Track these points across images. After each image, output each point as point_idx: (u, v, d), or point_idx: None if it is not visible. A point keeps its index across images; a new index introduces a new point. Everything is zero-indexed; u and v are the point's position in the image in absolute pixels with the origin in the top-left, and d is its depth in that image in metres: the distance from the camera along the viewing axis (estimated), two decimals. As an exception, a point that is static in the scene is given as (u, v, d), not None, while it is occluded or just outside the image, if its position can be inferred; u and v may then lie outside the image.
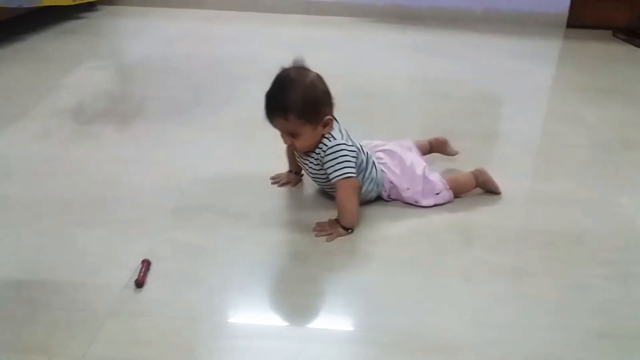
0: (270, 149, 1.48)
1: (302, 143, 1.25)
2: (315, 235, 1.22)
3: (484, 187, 1.43)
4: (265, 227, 1.27)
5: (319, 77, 1.25)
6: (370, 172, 1.32)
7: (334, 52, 2.83)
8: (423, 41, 3.09)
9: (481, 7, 3.60)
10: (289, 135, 1.24)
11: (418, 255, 1.19)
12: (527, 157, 1.71)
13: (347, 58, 2.74)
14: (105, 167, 1.53)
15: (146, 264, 1.10)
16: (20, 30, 2.90)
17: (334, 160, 1.24)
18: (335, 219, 1.25)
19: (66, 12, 3.32)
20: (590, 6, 3.59)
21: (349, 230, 1.23)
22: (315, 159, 1.27)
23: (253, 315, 1.02)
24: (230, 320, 1.00)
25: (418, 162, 1.39)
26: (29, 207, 1.33)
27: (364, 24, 3.45)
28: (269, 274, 1.12)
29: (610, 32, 3.46)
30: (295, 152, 1.35)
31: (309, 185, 1.44)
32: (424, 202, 1.35)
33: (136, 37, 3.01)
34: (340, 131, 1.27)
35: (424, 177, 1.35)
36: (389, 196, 1.37)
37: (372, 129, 1.74)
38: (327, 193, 1.37)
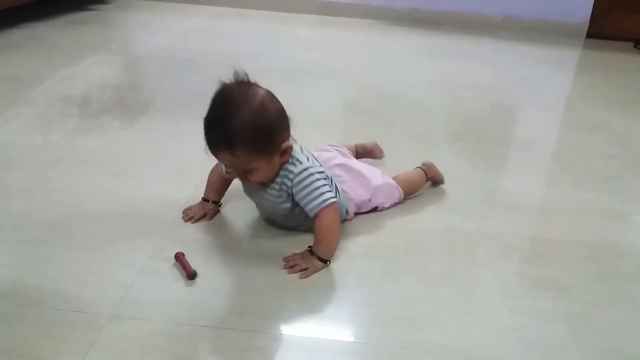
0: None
1: (257, 177, 1.03)
2: (288, 272, 1.02)
3: (433, 180, 1.37)
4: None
5: (269, 95, 1.00)
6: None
7: (350, 54, 2.77)
8: (441, 46, 3.03)
9: (501, 14, 3.53)
10: (240, 170, 1.03)
11: (450, 266, 1.09)
12: (558, 165, 1.63)
13: (364, 60, 2.68)
14: (113, 159, 1.45)
15: (182, 256, 1.03)
16: (29, 18, 2.86)
17: (307, 189, 1.03)
18: (309, 250, 1.05)
19: (76, 3, 3.27)
20: (612, 17, 3.54)
21: (326, 262, 1.04)
22: (276, 191, 1.06)
23: (273, 324, 0.92)
24: (240, 329, 0.90)
25: (374, 171, 1.26)
26: (29, 198, 1.24)
27: (380, 27, 3.39)
28: (286, 279, 1.02)
29: (631, 43, 3.40)
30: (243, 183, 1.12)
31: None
32: (381, 208, 1.25)
33: (147, 30, 2.95)
34: (302, 151, 1.07)
35: (383, 185, 1.23)
36: (353, 213, 1.22)
37: (393, 131, 1.66)
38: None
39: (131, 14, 3.28)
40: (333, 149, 1.33)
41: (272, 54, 2.60)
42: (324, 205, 1.03)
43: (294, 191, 1.05)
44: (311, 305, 0.96)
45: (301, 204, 1.05)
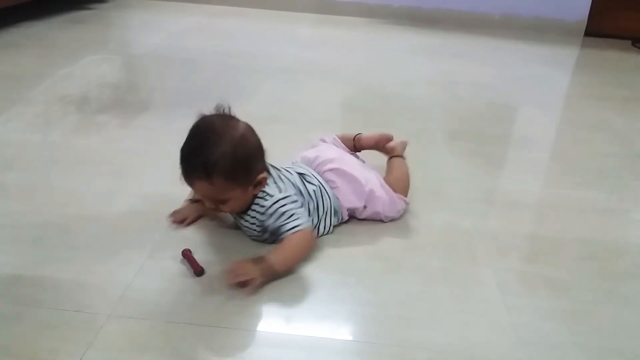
0: (281, 144, 1.38)
1: (230, 208, 1.04)
2: (230, 280, 0.94)
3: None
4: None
5: (249, 128, 1.03)
6: (325, 206, 1.13)
7: (349, 53, 2.77)
8: (440, 44, 3.03)
9: (499, 12, 3.54)
10: (213, 201, 1.02)
11: (449, 265, 1.09)
12: (557, 164, 1.63)
13: (363, 59, 2.68)
14: (112, 158, 1.45)
15: (189, 253, 1.03)
16: (28, 17, 2.85)
17: (279, 220, 1.03)
18: (262, 258, 0.99)
19: (75, 2, 3.27)
20: (610, 15, 3.54)
21: (277, 273, 0.99)
22: (250, 221, 1.07)
23: (273, 323, 0.92)
24: (239, 328, 0.90)
25: (371, 177, 1.20)
26: (28, 197, 1.24)
27: (378, 25, 3.39)
28: (285, 278, 1.02)
29: (629, 42, 3.41)
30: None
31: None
32: (385, 219, 1.20)
33: (145, 29, 2.95)
34: (276, 182, 1.07)
35: (381, 194, 1.18)
36: (349, 215, 1.20)
37: (393, 130, 1.66)
38: None
39: (129, 12, 3.27)
40: (330, 142, 1.32)
41: (271, 53, 2.60)
42: (293, 230, 1.02)
43: (265, 224, 1.05)
44: (310, 304, 0.96)
45: (275, 234, 1.05)
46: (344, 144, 1.36)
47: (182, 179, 1.01)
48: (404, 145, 1.38)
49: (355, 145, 1.39)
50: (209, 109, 1.03)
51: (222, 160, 0.96)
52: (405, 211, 1.25)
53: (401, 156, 1.35)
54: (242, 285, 0.94)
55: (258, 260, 0.98)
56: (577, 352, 0.89)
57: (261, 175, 1.03)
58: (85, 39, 2.64)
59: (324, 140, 1.33)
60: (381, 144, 1.37)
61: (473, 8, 3.54)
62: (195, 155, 0.98)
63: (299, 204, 1.06)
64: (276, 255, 1.00)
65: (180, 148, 1.01)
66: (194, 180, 0.99)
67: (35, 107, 1.77)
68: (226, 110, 1.02)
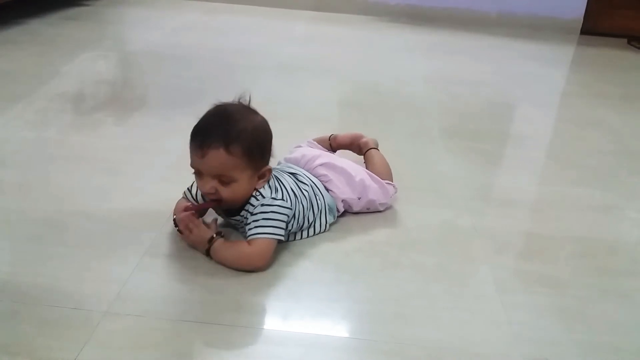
0: (280, 142, 1.38)
1: (231, 193, 1.00)
2: (182, 227, 1.03)
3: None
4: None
5: (267, 121, 1.06)
6: (319, 204, 1.13)
7: (346, 50, 2.77)
8: (436, 42, 3.04)
9: (495, 10, 3.55)
10: (218, 179, 0.99)
11: (446, 262, 1.09)
12: (553, 161, 1.64)
13: (360, 56, 2.68)
14: (108, 155, 1.44)
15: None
16: (22, 13, 2.84)
17: (260, 215, 1.01)
18: (215, 236, 1.01)
19: (70, -1, 3.26)
20: (605, 14, 3.56)
21: (208, 256, 1.01)
22: (241, 221, 1.07)
23: (270, 320, 0.92)
24: (236, 325, 0.90)
25: (358, 168, 1.23)
26: (24, 195, 1.24)
27: (375, 23, 3.39)
28: (281, 275, 1.02)
29: (625, 40, 3.42)
30: (215, 210, 1.10)
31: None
32: (380, 207, 1.23)
33: (141, 26, 2.94)
34: (270, 186, 1.06)
35: (371, 183, 1.20)
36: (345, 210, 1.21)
37: (389, 128, 1.67)
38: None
39: (125, 9, 3.27)
40: (305, 146, 1.32)
41: (268, 50, 2.59)
42: (263, 235, 1.01)
43: (249, 220, 1.03)
44: (307, 301, 0.96)
45: (247, 227, 1.03)
46: (321, 145, 1.36)
47: (194, 153, 0.99)
48: (375, 140, 1.39)
49: (331, 145, 1.40)
50: (226, 99, 1.05)
51: (244, 134, 0.98)
52: (403, 210, 1.25)
53: (375, 148, 1.36)
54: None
55: (203, 229, 1.02)
56: (573, 349, 0.89)
57: (267, 167, 1.04)
58: (81, 36, 2.64)
59: (299, 146, 1.32)
60: (355, 142, 1.39)
61: (470, 6, 3.55)
62: (216, 126, 0.99)
63: (285, 210, 1.04)
64: (223, 249, 1.01)
65: (191, 130, 1.01)
66: (210, 150, 0.96)
67: (31, 104, 1.77)
68: (247, 102, 1.05)
